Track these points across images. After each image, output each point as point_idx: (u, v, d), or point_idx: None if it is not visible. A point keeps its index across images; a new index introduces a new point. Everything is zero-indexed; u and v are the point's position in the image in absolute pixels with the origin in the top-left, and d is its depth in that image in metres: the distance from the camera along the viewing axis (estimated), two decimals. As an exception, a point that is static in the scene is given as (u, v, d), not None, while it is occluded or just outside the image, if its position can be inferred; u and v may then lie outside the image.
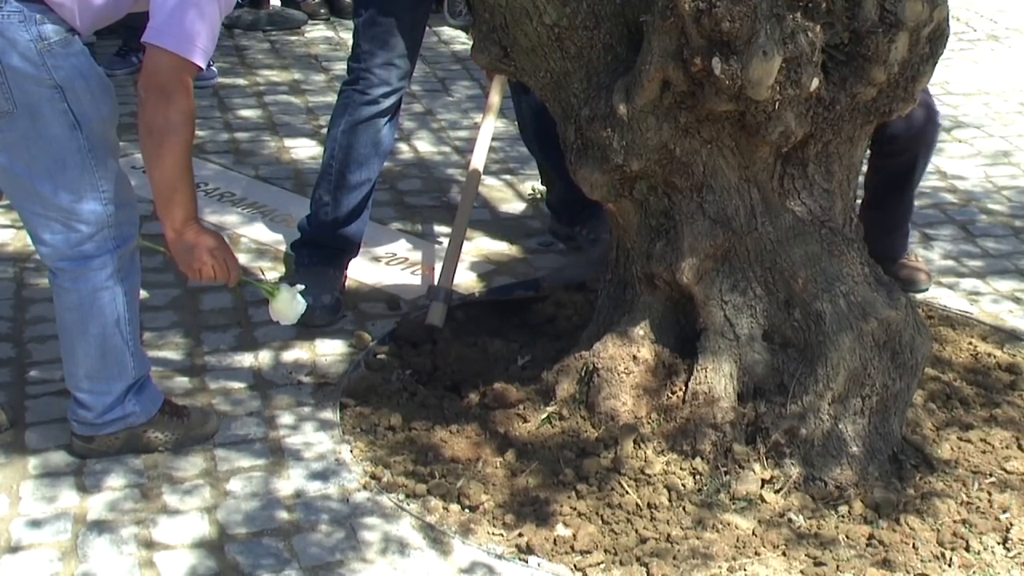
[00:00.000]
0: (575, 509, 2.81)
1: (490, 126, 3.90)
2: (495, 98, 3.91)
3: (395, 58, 3.61)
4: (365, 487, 2.93)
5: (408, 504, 2.87)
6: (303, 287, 3.02)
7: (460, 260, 4.07)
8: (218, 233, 2.89)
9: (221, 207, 4.33)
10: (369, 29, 3.63)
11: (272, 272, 3.90)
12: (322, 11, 6.63)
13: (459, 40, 6.38)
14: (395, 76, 3.64)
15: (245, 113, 5.28)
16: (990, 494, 2.90)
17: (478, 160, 3.85)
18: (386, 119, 3.69)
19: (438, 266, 3.99)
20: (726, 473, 2.89)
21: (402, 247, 4.12)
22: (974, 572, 2.69)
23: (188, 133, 2.73)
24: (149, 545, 2.72)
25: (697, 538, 2.74)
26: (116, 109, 2.82)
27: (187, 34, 2.63)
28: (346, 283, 3.78)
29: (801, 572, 2.67)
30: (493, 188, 4.64)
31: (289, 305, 2.97)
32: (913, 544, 2.74)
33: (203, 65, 2.67)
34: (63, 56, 2.66)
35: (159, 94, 2.66)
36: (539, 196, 4.44)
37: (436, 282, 3.68)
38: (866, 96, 2.77)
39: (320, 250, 3.75)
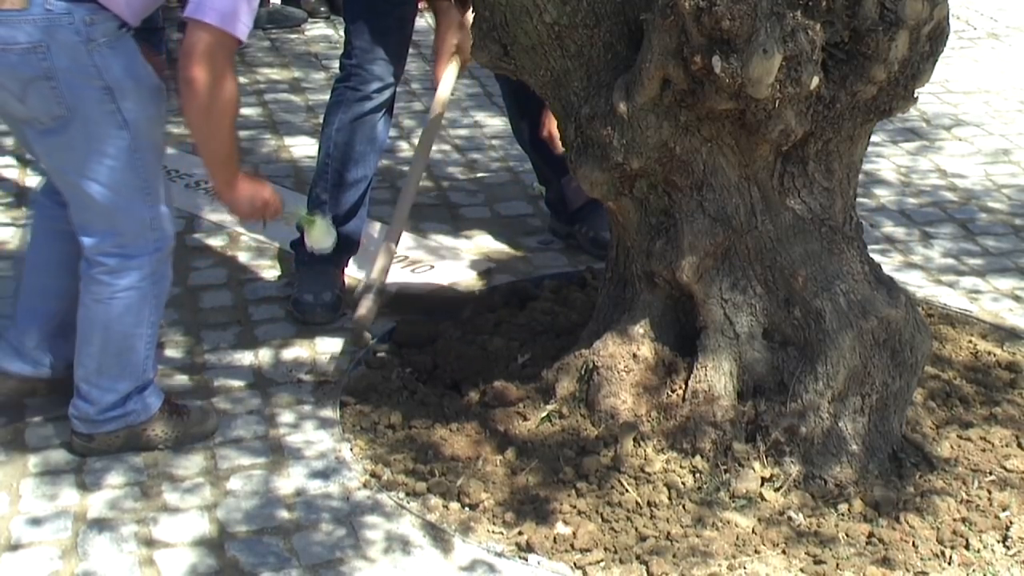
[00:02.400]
0: (575, 507, 2.81)
1: (452, 72, 3.72)
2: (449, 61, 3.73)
3: (386, 53, 3.61)
4: (365, 485, 2.93)
5: (408, 502, 2.87)
6: (331, 216, 3.19)
7: (455, 257, 4.07)
8: (254, 174, 2.92)
9: (221, 206, 4.32)
10: (359, 26, 3.63)
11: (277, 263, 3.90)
12: (322, 9, 6.63)
13: (459, 38, 6.37)
14: (387, 71, 3.64)
15: (245, 111, 5.27)
16: (990, 492, 2.90)
17: (438, 105, 3.67)
18: (380, 115, 3.68)
19: (440, 264, 4.00)
20: (726, 471, 2.89)
21: (402, 245, 4.12)
22: (974, 570, 2.69)
23: (231, 104, 2.74)
24: (149, 543, 2.73)
25: (697, 536, 2.74)
26: (164, 109, 2.84)
27: (226, 7, 2.63)
28: (345, 281, 3.78)
29: (801, 570, 2.67)
30: (493, 186, 4.64)
31: (326, 233, 3.12)
32: (913, 542, 2.74)
33: (242, 38, 2.67)
34: (112, 56, 2.68)
35: (199, 68, 2.66)
36: (539, 194, 4.44)
37: (371, 275, 3.54)
38: (866, 94, 2.76)
39: (320, 248, 3.76)
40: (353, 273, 3.85)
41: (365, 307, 3.46)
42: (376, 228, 4.20)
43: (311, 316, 3.61)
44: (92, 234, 2.82)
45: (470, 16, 3.57)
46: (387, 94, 3.67)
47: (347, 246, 3.79)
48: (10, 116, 2.83)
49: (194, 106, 2.72)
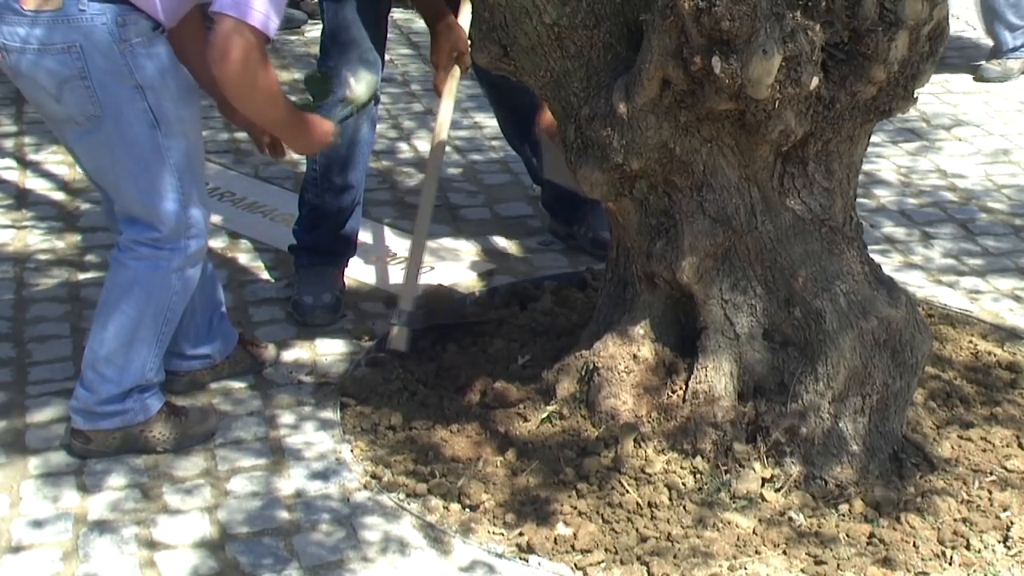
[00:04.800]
0: (576, 508, 2.81)
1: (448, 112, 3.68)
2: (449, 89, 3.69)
3: (362, 53, 3.60)
4: (366, 487, 2.93)
5: (409, 503, 2.87)
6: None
7: (455, 259, 4.07)
8: (304, 118, 2.96)
9: (221, 207, 4.33)
10: (334, 26, 3.62)
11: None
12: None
13: (459, 39, 6.37)
14: (371, 72, 3.62)
15: (245, 113, 5.26)
16: (990, 492, 2.90)
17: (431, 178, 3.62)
18: (362, 117, 3.65)
19: (441, 265, 4.00)
20: (727, 472, 2.89)
21: (402, 246, 4.12)
22: (975, 570, 2.69)
23: (268, 90, 2.76)
24: (150, 545, 2.73)
25: (698, 537, 2.74)
26: (199, 110, 2.87)
27: (258, 5, 2.66)
28: (345, 282, 3.78)
29: (802, 571, 2.67)
30: (493, 187, 4.64)
31: (364, 86, 3.23)
32: (914, 542, 2.74)
33: (270, 33, 2.70)
34: (145, 56, 2.72)
35: (227, 65, 2.68)
36: (539, 195, 4.44)
37: (398, 304, 3.47)
38: (866, 95, 2.76)
39: (317, 252, 3.75)
40: (353, 274, 3.85)
41: (401, 338, 3.40)
42: (376, 230, 4.20)
43: (311, 318, 3.61)
44: (132, 226, 2.88)
45: (464, 21, 3.58)
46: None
47: (345, 248, 3.79)
48: (49, 117, 2.89)
49: (231, 97, 2.79)
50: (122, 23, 2.68)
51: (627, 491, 2.84)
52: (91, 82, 2.70)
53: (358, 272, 3.89)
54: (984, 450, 3.05)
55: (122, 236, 2.92)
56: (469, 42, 3.43)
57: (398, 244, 4.14)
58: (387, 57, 3.76)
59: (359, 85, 3.32)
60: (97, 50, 2.68)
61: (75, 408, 2.96)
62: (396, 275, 3.94)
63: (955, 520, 2.81)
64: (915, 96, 2.86)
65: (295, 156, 4.83)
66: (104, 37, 2.67)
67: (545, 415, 3.06)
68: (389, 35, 3.77)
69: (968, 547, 2.74)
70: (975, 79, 5.96)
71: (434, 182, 3.63)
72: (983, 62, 6.00)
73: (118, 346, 2.91)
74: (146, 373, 2.95)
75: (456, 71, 3.63)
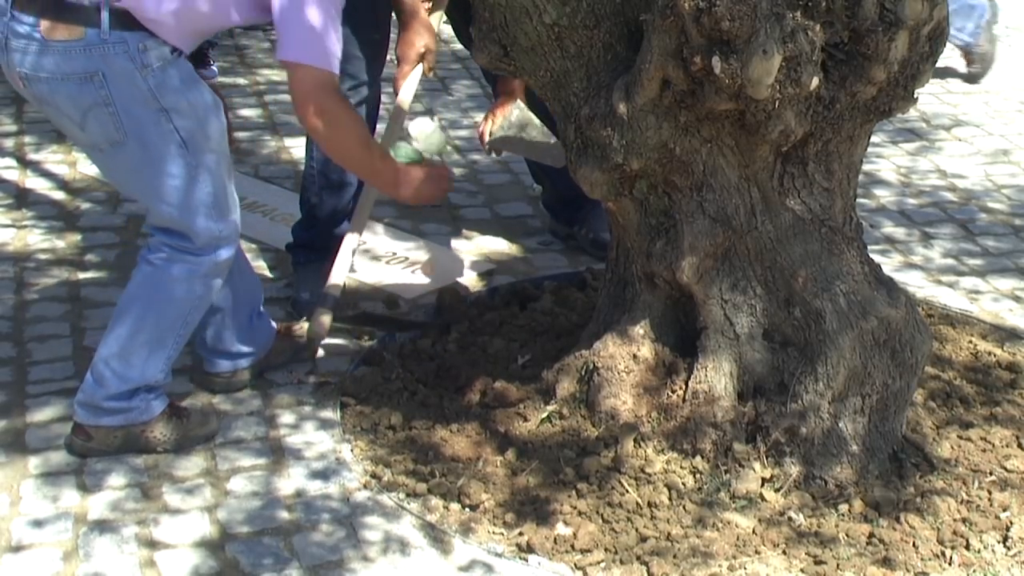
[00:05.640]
0: (575, 508, 2.81)
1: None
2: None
3: (359, 51, 3.58)
4: (366, 486, 2.93)
5: (408, 503, 2.87)
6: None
7: (455, 259, 4.07)
8: (407, 166, 3.08)
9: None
10: None
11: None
12: (322, 10, 6.62)
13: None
14: (361, 69, 3.61)
15: (245, 112, 5.28)
16: (990, 492, 2.91)
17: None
18: (361, 114, 3.64)
19: (440, 265, 4.00)
20: (726, 472, 2.89)
21: (402, 246, 4.12)
22: (974, 570, 2.69)
23: (352, 134, 2.84)
24: (150, 544, 2.73)
25: (697, 537, 2.74)
26: (223, 124, 2.90)
27: (314, 43, 2.71)
28: (345, 282, 3.77)
29: (801, 571, 2.67)
30: (493, 187, 4.64)
31: (434, 139, 3.34)
32: (913, 543, 2.74)
33: (335, 70, 2.76)
34: (167, 79, 2.74)
35: (309, 111, 2.76)
36: (539, 195, 4.44)
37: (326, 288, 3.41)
38: (866, 95, 2.77)
39: (314, 249, 3.75)
40: (352, 274, 3.85)
41: (322, 322, 3.34)
42: (376, 228, 4.20)
43: (309, 315, 3.60)
44: (163, 232, 2.90)
45: (436, 19, 3.56)
46: (363, 93, 3.64)
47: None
48: (74, 140, 2.93)
49: (322, 145, 2.94)
50: (143, 49, 2.69)
51: (627, 491, 2.84)
52: (115, 108, 2.72)
53: (358, 272, 3.89)
54: (984, 450, 3.05)
55: (153, 238, 2.93)
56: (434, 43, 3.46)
57: (398, 244, 4.14)
58: (388, 57, 3.75)
59: (420, 140, 3.34)
60: (120, 77, 2.69)
61: (80, 401, 2.96)
62: (396, 275, 3.94)
63: (955, 520, 2.81)
64: (915, 96, 2.86)
65: (297, 154, 4.85)
66: (126, 64, 2.69)
67: (545, 415, 3.06)
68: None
69: (968, 547, 2.74)
70: (965, 81, 5.96)
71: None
72: (965, 69, 6.00)
73: (133, 345, 2.92)
74: (156, 374, 2.96)
75: (419, 69, 3.55)
